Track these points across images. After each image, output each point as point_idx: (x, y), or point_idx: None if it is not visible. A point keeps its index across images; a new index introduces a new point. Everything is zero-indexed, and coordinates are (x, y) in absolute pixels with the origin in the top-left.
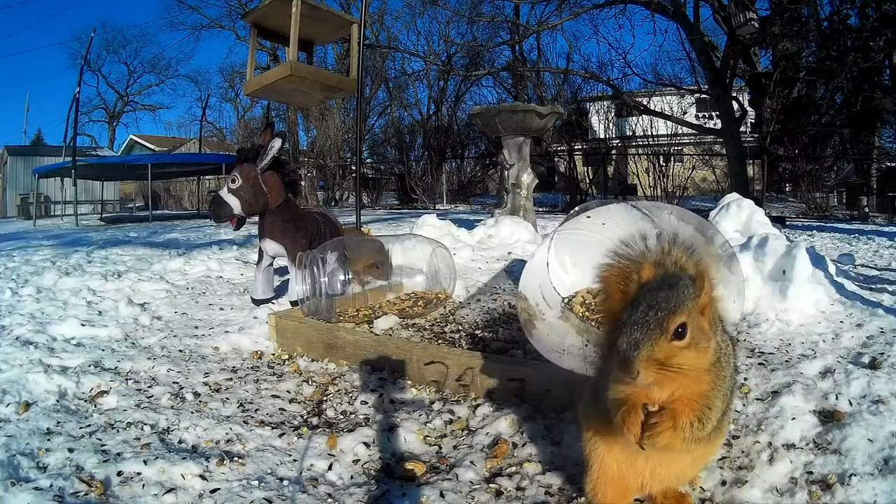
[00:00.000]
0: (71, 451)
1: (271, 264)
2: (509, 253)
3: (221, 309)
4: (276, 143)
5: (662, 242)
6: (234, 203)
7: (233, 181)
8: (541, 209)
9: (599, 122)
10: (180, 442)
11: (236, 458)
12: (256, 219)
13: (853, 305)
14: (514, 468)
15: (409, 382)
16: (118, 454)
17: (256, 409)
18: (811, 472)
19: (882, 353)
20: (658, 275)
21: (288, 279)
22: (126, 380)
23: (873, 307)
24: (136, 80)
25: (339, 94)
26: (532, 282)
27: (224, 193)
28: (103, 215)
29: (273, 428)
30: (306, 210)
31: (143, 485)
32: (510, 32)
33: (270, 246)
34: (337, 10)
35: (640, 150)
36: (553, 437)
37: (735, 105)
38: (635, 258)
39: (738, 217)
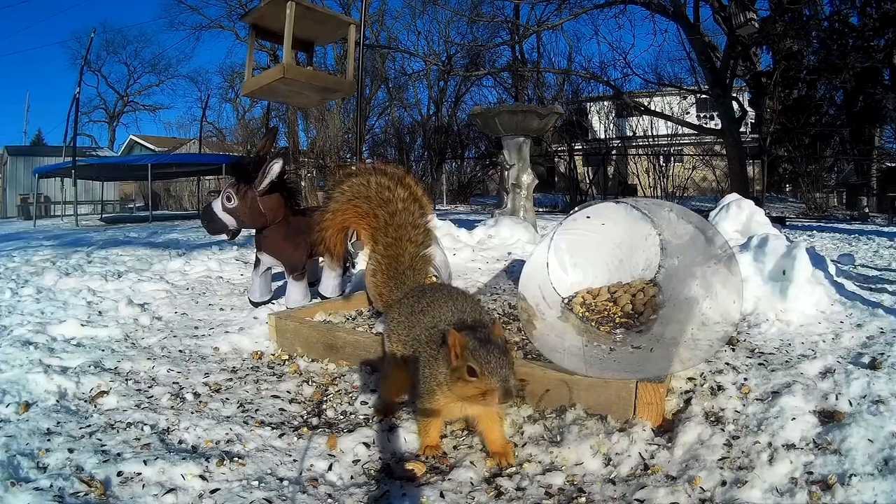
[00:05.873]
0: (71, 451)
1: (269, 269)
2: (509, 253)
3: (221, 309)
4: (276, 167)
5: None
6: (230, 221)
7: (228, 199)
8: (541, 209)
9: (599, 122)
10: (180, 442)
11: (236, 459)
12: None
13: (853, 306)
14: (514, 468)
15: None
16: (118, 454)
17: (256, 410)
18: (811, 473)
19: (882, 354)
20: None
21: (286, 281)
22: (126, 380)
23: (873, 307)
24: (136, 80)
25: (336, 94)
26: (532, 282)
27: (218, 210)
28: (103, 215)
29: (273, 428)
30: (307, 210)
31: (143, 485)
32: (510, 32)
33: (268, 259)
34: (335, 10)
35: (641, 151)
36: (553, 437)
37: (735, 105)
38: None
39: (738, 217)
